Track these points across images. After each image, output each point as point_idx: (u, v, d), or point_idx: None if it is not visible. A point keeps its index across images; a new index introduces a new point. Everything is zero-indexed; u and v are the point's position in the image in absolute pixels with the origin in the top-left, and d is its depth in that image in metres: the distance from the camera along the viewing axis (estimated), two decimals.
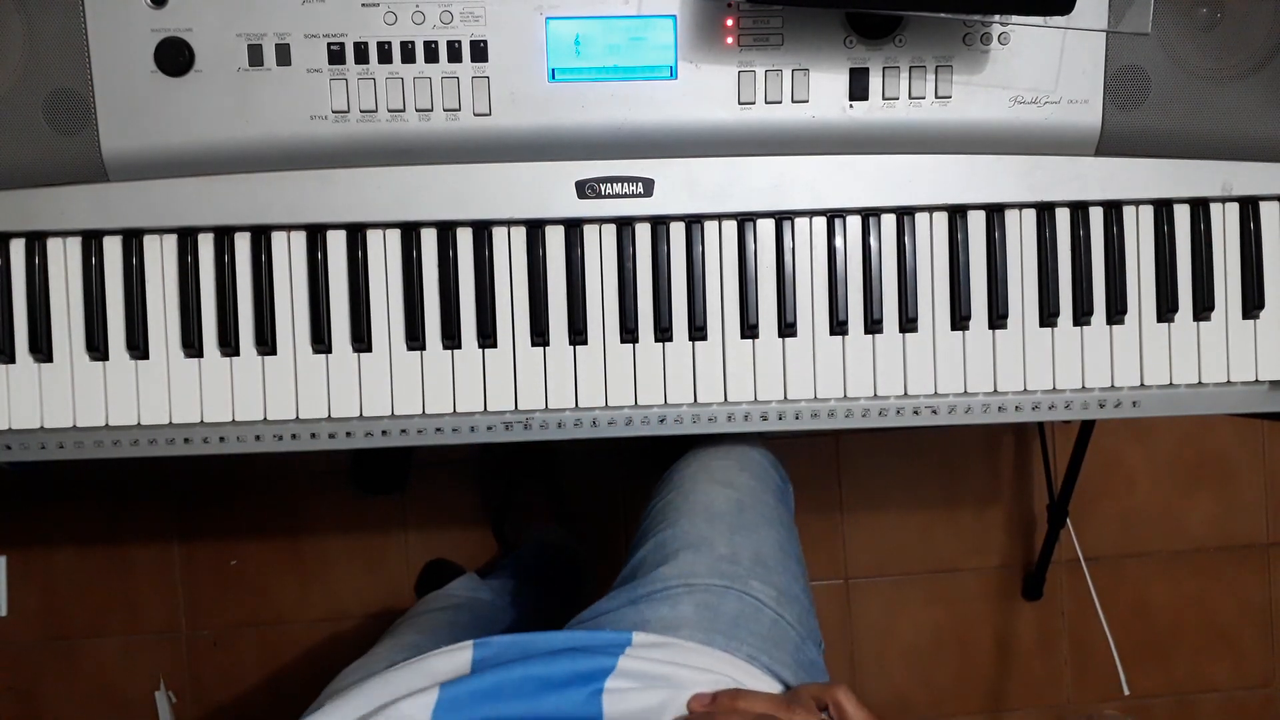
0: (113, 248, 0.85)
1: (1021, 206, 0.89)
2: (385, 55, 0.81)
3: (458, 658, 0.70)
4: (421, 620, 1.07)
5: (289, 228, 0.86)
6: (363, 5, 0.81)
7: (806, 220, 0.88)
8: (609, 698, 0.67)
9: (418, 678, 0.69)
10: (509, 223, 0.87)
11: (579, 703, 0.67)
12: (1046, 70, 0.84)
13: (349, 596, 1.74)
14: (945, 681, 1.82)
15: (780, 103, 0.84)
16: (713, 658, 0.74)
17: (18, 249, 0.85)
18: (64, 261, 0.85)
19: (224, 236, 0.85)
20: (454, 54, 0.82)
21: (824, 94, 0.84)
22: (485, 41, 0.82)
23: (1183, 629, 1.84)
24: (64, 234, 0.85)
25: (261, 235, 0.86)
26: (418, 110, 0.82)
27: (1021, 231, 0.89)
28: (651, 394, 0.88)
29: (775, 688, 0.74)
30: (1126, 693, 1.70)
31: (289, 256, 0.86)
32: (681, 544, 0.86)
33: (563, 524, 1.70)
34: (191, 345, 0.85)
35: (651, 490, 1.01)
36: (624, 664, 0.70)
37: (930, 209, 0.88)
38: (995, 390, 0.89)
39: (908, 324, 0.88)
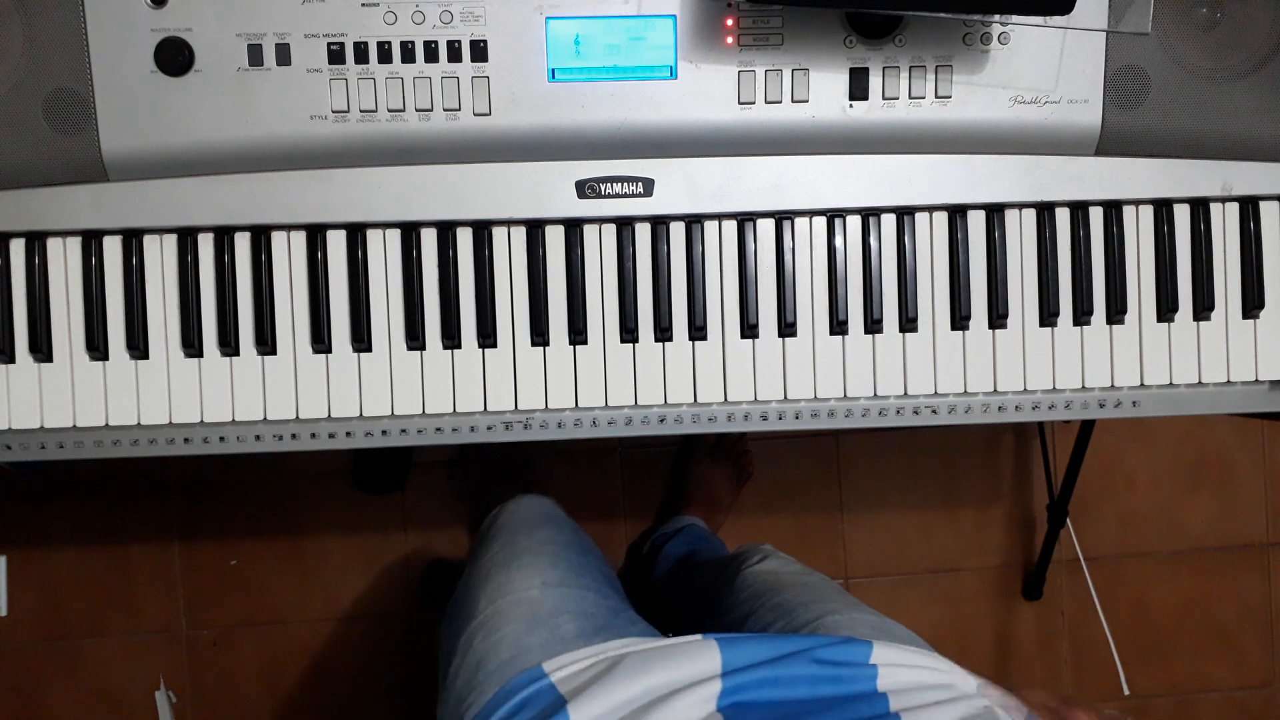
0: (113, 248, 0.85)
1: (1021, 206, 0.89)
2: (385, 55, 0.81)
3: (704, 653, 0.71)
4: (539, 543, 1.02)
5: (289, 228, 0.86)
6: (363, 5, 0.81)
7: (806, 220, 0.88)
8: (884, 678, 0.69)
9: (675, 665, 0.70)
10: (509, 222, 0.87)
11: (859, 681, 0.69)
12: (1046, 70, 0.84)
13: (349, 596, 1.74)
14: None
15: (780, 103, 0.84)
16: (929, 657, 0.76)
17: (18, 249, 0.85)
18: (64, 261, 0.85)
19: (224, 236, 0.85)
20: (454, 54, 0.82)
21: (824, 94, 0.84)
22: (485, 41, 0.82)
23: (1183, 629, 1.84)
24: (64, 234, 0.85)
25: (261, 235, 0.86)
26: (418, 110, 0.82)
27: (1021, 231, 0.89)
28: (651, 394, 0.88)
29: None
30: (1126, 693, 1.71)
31: (289, 256, 0.86)
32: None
33: None
34: (191, 345, 0.85)
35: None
36: (879, 654, 0.72)
37: (930, 209, 0.88)
38: (995, 390, 0.89)
39: (908, 324, 0.88)
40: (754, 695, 0.68)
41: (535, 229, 0.87)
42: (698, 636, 0.73)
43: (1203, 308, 0.89)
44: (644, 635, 0.80)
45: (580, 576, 0.92)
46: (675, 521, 1.67)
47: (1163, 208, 0.90)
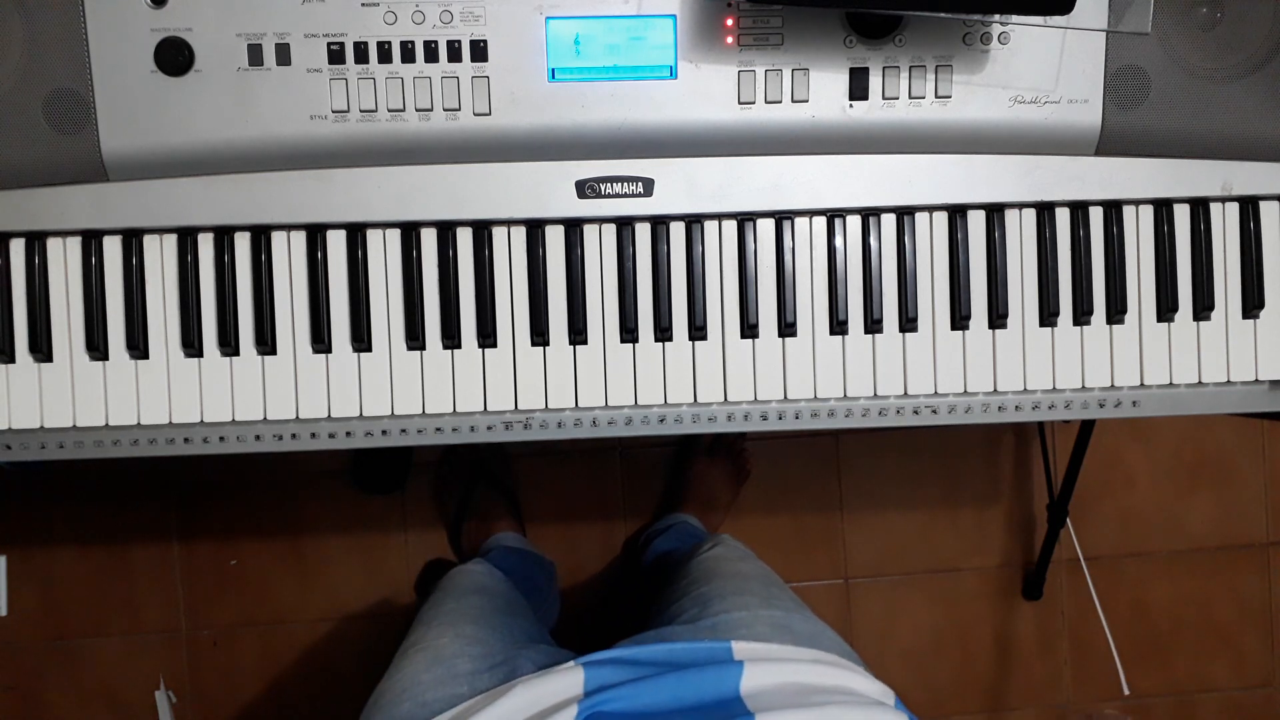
0: (113, 247, 0.85)
1: (1021, 206, 0.89)
2: (385, 55, 0.81)
3: (570, 678, 0.73)
4: (466, 605, 1.06)
5: (289, 227, 0.86)
6: (363, 5, 0.81)
7: (806, 220, 0.88)
8: (749, 678, 0.70)
9: (539, 691, 0.72)
10: (509, 222, 0.87)
11: (723, 683, 0.70)
12: (1046, 70, 0.84)
13: (349, 596, 1.74)
14: (945, 681, 1.82)
15: (780, 103, 0.84)
16: (812, 654, 0.77)
17: (18, 249, 0.85)
18: (64, 261, 0.85)
19: (224, 236, 0.85)
20: (454, 54, 0.82)
21: (824, 94, 0.84)
22: (485, 41, 0.82)
23: (1183, 629, 1.84)
24: (64, 234, 0.85)
25: (261, 235, 0.86)
26: (418, 110, 0.82)
27: (1021, 231, 0.89)
28: (651, 394, 0.88)
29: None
30: (1126, 693, 1.71)
31: (289, 256, 0.86)
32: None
33: (523, 530, 1.70)
34: (191, 345, 0.85)
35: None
36: (739, 649, 0.73)
37: (930, 209, 0.88)
38: (995, 390, 0.89)
39: (907, 324, 0.88)
40: (613, 707, 0.69)
41: (535, 229, 0.87)
42: (570, 662, 0.75)
43: (1203, 308, 0.90)
44: (540, 667, 0.81)
45: (495, 630, 0.94)
46: (669, 519, 1.67)
47: (1163, 208, 0.90)
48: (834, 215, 0.88)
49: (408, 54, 0.82)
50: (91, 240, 0.85)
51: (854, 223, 0.88)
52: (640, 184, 0.86)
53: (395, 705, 0.80)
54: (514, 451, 1.74)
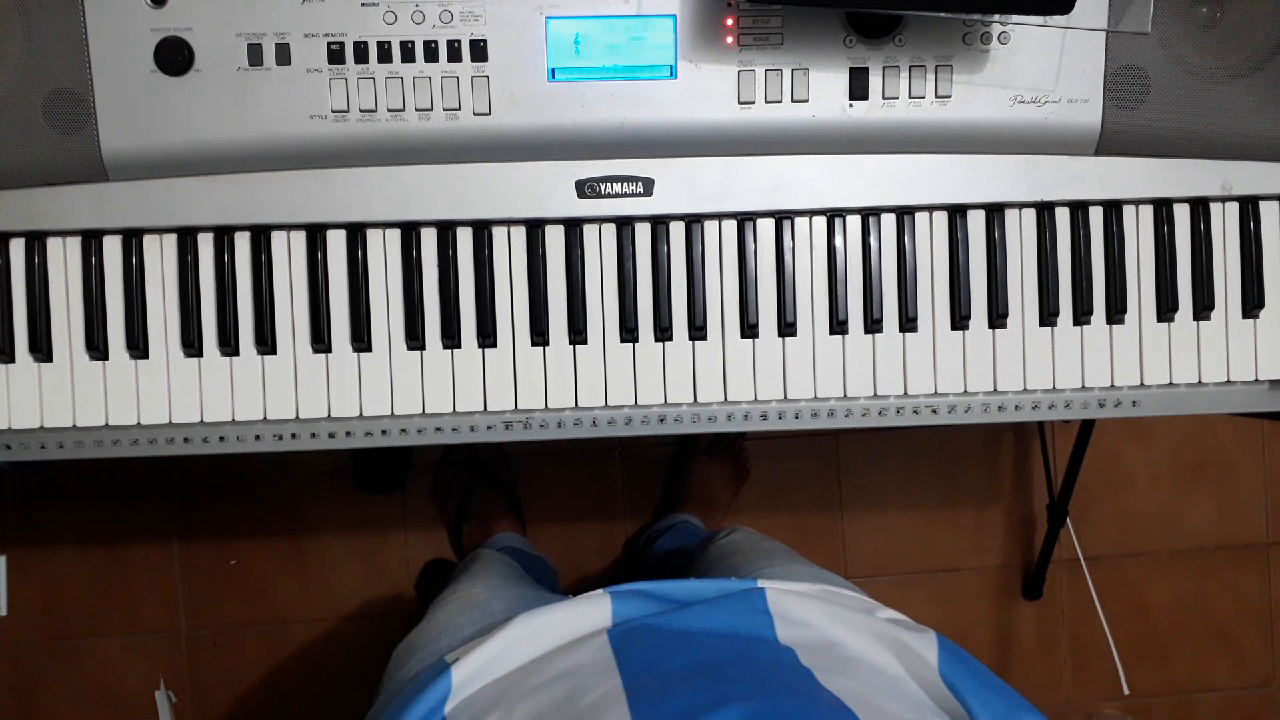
0: (113, 247, 0.85)
1: (1021, 206, 0.89)
2: (385, 55, 0.81)
3: (597, 606, 0.71)
4: (492, 567, 1.06)
5: (289, 227, 0.86)
6: (362, 5, 0.81)
7: (806, 220, 0.88)
8: (774, 607, 0.69)
9: (565, 615, 0.70)
10: (509, 222, 0.87)
11: (748, 613, 0.69)
12: (1046, 70, 0.84)
13: (349, 596, 1.74)
14: None
15: (780, 102, 0.84)
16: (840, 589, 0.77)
17: (18, 249, 0.85)
18: (64, 261, 0.85)
19: (224, 236, 0.85)
20: (454, 54, 0.82)
21: (824, 94, 0.84)
22: (485, 41, 0.82)
23: (1183, 629, 1.84)
24: (64, 234, 0.85)
25: (261, 235, 0.86)
26: (417, 110, 0.82)
27: (1021, 231, 0.89)
28: (651, 393, 0.88)
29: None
30: (1126, 692, 1.71)
31: (289, 256, 0.86)
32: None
33: (524, 530, 1.70)
34: (191, 345, 0.85)
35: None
36: (770, 595, 0.72)
37: (930, 209, 0.88)
38: (995, 390, 0.89)
39: (907, 323, 0.88)
40: (643, 623, 0.69)
41: (535, 229, 0.87)
42: (598, 590, 0.74)
43: (1203, 307, 0.89)
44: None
45: (523, 584, 0.95)
46: (670, 518, 1.67)
47: (1163, 207, 0.90)
48: (834, 215, 0.88)
49: (408, 54, 0.82)
50: (91, 240, 0.85)
51: (854, 223, 0.88)
52: (640, 184, 0.86)
53: (432, 643, 0.80)
54: (514, 451, 1.74)
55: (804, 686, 0.59)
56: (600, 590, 0.73)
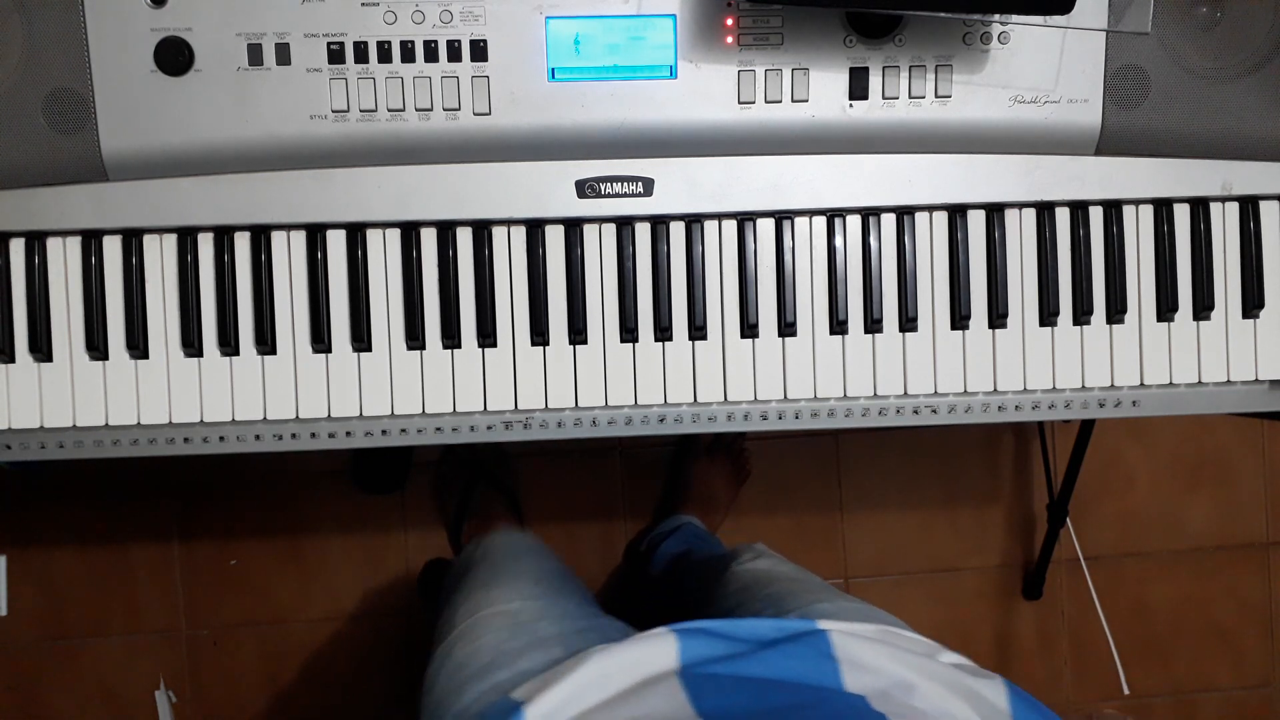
0: (112, 247, 0.85)
1: (1021, 206, 0.89)
2: (385, 55, 0.81)
3: (663, 646, 0.70)
4: (523, 567, 1.04)
5: (289, 227, 0.86)
6: (362, 5, 0.81)
7: (806, 220, 0.88)
8: (839, 651, 0.68)
9: (635, 658, 0.69)
10: (509, 222, 0.87)
11: (814, 659, 0.68)
12: (1046, 70, 0.84)
13: (349, 596, 1.74)
14: None
15: (780, 102, 0.84)
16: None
17: (18, 249, 0.85)
18: (64, 261, 0.85)
19: (224, 236, 0.85)
20: (454, 54, 0.82)
21: (824, 93, 0.84)
22: (485, 41, 0.82)
23: (1183, 629, 1.84)
24: (64, 234, 0.85)
25: (261, 235, 0.86)
26: (417, 110, 0.82)
27: (1021, 231, 0.89)
28: (651, 393, 0.88)
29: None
30: (1126, 692, 1.71)
31: (289, 256, 0.86)
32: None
33: (524, 529, 1.70)
34: (191, 345, 0.85)
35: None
36: (831, 631, 0.71)
37: (930, 208, 0.88)
38: (995, 390, 0.89)
39: (907, 323, 0.88)
40: (713, 670, 0.68)
41: (535, 229, 0.87)
42: (660, 629, 0.73)
43: (1202, 307, 0.89)
44: (620, 636, 0.81)
45: (561, 595, 0.93)
46: (672, 520, 1.67)
47: (1163, 207, 0.90)
48: (834, 215, 0.88)
49: (408, 54, 0.82)
50: (91, 240, 0.85)
51: (854, 222, 0.88)
52: (640, 184, 0.86)
53: (489, 673, 0.78)
54: (513, 451, 1.74)
55: None
56: (664, 629, 0.72)
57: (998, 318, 0.89)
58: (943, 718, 0.63)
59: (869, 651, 0.69)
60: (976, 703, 0.66)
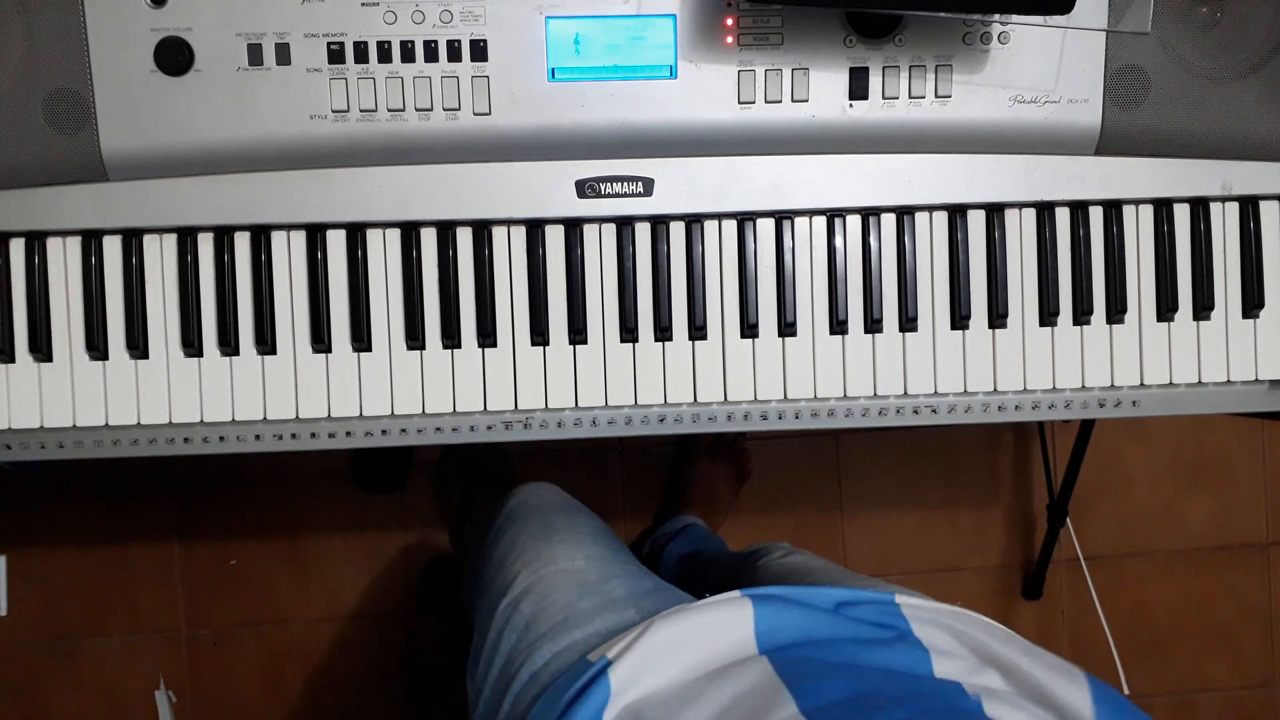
0: (112, 247, 0.85)
1: (1021, 206, 0.89)
2: (385, 55, 0.81)
3: (738, 612, 0.70)
4: (575, 523, 1.01)
5: (289, 227, 0.86)
6: (362, 5, 0.81)
7: (806, 220, 0.88)
8: (933, 654, 0.67)
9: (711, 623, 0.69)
10: (509, 222, 0.87)
11: (901, 648, 0.67)
12: (1046, 70, 0.84)
13: (349, 596, 1.74)
14: None
15: (780, 102, 0.84)
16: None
17: (18, 249, 0.85)
18: (64, 261, 0.85)
19: (224, 236, 0.85)
20: (454, 53, 0.82)
21: (824, 93, 0.84)
22: (485, 41, 0.82)
23: (1183, 629, 1.84)
24: (64, 234, 0.85)
25: (261, 235, 0.86)
26: (417, 110, 0.82)
27: (1021, 231, 0.89)
28: (651, 393, 0.88)
29: None
30: (1126, 692, 1.70)
31: (289, 256, 0.86)
32: None
33: None
34: (191, 345, 0.85)
35: None
36: (906, 609, 0.70)
37: (930, 208, 0.88)
38: (995, 390, 0.89)
39: (907, 323, 0.88)
40: (794, 651, 0.67)
41: (535, 229, 0.87)
42: (735, 593, 0.72)
43: (1202, 307, 0.89)
44: (688, 600, 0.80)
45: (619, 554, 0.93)
46: (676, 521, 1.67)
47: (1163, 207, 0.90)
48: (834, 215, 0.88)
49: (407, 54, 0.82)
50: (91, 240, 0.85)
51: (854, 222, 0.88)
52: (640, 184, 0.86)
53: (563, 633, 0.78)
54: (513, 451, 1.74)
55: None
56: (736, 593, 0.71)
57: (998, 318, 0.89)
58: (1032, 711, 0.61)
59: (943, 634, 0.69)
60: (1060, 693, 0.64)
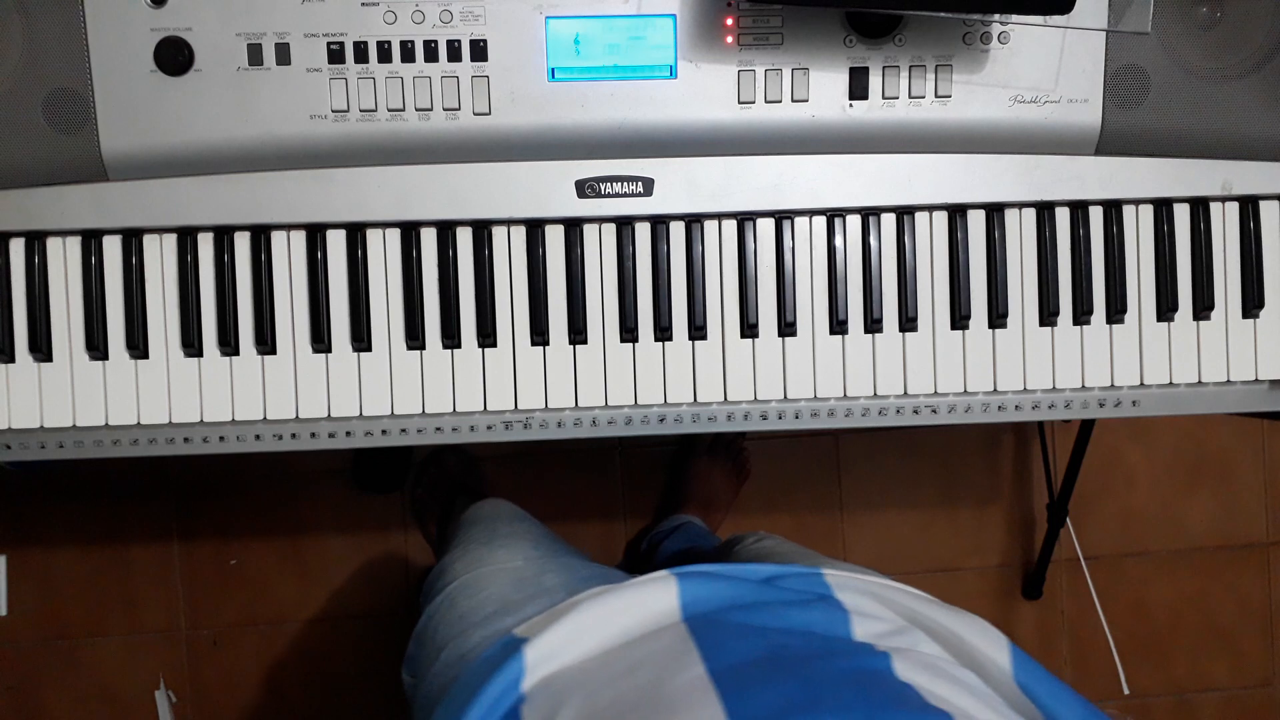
0: (112, 247, 0.85)
1: (1021, 206, 0.89)
2: (385, 55, 0.81)
3: (664, 589, 0.70)
4: (520, 529, 1.04)
5: (289, 227, 0.86)
6: (362, 5, 0.81)
7: (806, 220, 0.88)
8: (851, 608, 0.68)
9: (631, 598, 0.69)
10: (509, 222, 0.87)
11: (823, 609, 0.68)
12: (1046, 69, 0.84)
13: (349, 596, 1.74)
14: None
15: (780, 102, 0.84)
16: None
17: (18, 249, 0.85)
18: (64, 261, 0.85)
19: (224, 236, 0.85)
20: (454, 53, 0.82)
21: (824, 93, 0.84)
22: (485, 41, 0.82)
23: (1183, 629, 1.84)
24: (64, 233, 0.85)
25: (261, 235, 0.86)
26: (417, 110, 0.82)
27: (1021, 231, 0.89)
28: (651, 393, 0.88)
29: None
30: (1126, 692, 1.71)
31: (289, 256, 0.86)
32: None
33: None
34: (191, 345, 0.85)
35: None
36: (831, 578, 0.71)
37: (930, 208, 0.88)
38: (995, 389, 0.89)
39: (907, 323, 0.88)
40: (719, 616, 0.68)
41: (535, 228, 0.87)
42: (662, 572, 0.73)
43: (1202, 307, 0.89)
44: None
45: (562, 555, 0.93)
46: (673, 520, 1.67)
47: (1163, 207, 0.90)
48: (834, 215, 0.88)
49: (407, 54, 0.82)
50: (91, 240, 0.85)
51: (854, 222, 0.88)
52: (640, 184, 0.86)
53: (494, 620, 0.79)
54: (512, 451, 1.74)
55: (892, 690, 0.58)
56: (664, 572, 0.72)
57: (998, 317, 0.89)
58: (952, 675, 0.62)
59: (869, 600, 0.70)
60: (978, 657, 0.66)
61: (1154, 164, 0.87)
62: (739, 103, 0.84)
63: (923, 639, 0.67)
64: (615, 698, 0.58)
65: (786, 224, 0.88)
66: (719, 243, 0.88)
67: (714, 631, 0.64)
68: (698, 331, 0.87)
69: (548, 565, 0.88)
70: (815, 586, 0.71)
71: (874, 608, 0.69)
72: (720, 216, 0.87)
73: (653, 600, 0.69)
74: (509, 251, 0.87)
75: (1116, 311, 0.89)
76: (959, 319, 0.89)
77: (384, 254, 0.87)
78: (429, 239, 0.87)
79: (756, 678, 0.57)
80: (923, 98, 0.84)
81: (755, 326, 0.88)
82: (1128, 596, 1.83)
